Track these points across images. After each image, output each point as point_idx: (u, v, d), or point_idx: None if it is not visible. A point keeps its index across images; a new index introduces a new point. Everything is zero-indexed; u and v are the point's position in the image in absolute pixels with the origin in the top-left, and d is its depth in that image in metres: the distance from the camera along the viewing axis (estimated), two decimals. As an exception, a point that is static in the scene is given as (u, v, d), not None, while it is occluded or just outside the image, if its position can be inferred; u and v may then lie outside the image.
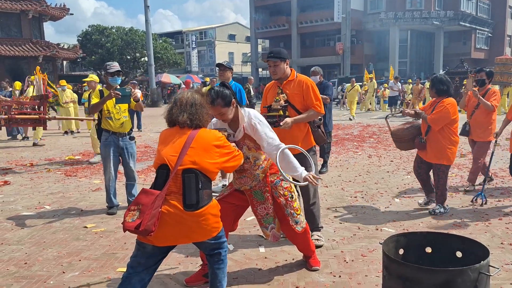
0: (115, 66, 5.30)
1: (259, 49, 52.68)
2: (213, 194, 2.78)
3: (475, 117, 5.91)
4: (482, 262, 2.21)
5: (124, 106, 5.24)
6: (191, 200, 2.56)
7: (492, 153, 5.72)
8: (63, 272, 3.67)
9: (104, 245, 4.27)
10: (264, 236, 4.40)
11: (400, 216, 4.99)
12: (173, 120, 2.74)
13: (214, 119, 3.28)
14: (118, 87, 5.29)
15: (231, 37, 60.75)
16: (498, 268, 2.29)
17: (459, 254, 2.56)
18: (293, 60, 44.55)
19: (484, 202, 5.30)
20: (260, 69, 48.71)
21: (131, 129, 5.40)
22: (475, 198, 5.41)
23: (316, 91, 4.08)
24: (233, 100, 3.13)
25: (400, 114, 5.41)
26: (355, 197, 5.87)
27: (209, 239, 2.72)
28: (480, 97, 5.72)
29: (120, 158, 5.37)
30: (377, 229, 4.57)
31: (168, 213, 2.54)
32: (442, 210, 5.00)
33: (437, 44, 43.90)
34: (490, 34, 48.63)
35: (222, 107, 3.08)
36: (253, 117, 3.22)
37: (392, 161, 8.32)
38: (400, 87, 20.02)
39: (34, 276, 3.61)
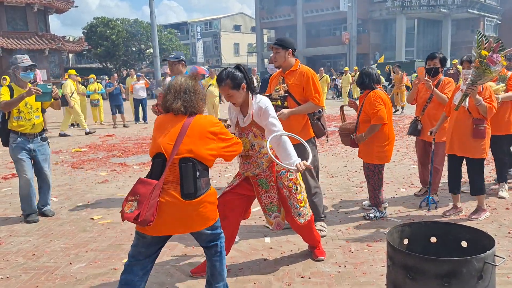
0: (27, 59, 4.76)
1: (265, 40, 52.41)
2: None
3: (428, 112, 4.96)
4: (487, 252, 2.19)
5: (37, 105, 4.79)
6: (189, 189, 2.54)
7: (432, 152, 4.89)
8: (70, 264, 3.71)
9: (111, 237, 4.31)
10: (267, 224, 4.43)
11: (406, 205, 4.98)
12: (167, 107, 2.69)
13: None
14: (41, 83, 5.02)
15: (236, 28, 60.48)
16: (504, 258, 2.27)
17: (464, 244, 2.54)
18: (298, 50, 44.20)
19: (435, 207, 4.80)
20: (265, 60, 48.50)
21: (43, 130, 4.98)
22: (424, 203, 4.88)
23: (316, 83, 4.06)
24: (244, 84, 3.12)
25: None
26: (361, 187, 5.85)
27: (206, 229, 2.70)
28: (435, 88, 4.81)
29: (32, 161, 4.86)
30: (383, 219, 4.56)
31: (166, 202, 2.53)
32: (377, 214, 4.57)
33: (445, 32, 43.37)
34: (499, 22, 47.94)
35: (230, 89, 3.07)
36: (262, 104, 3.19)
37: (398, 150, 8.28)
38: None
39: (42, 267, 3.65)
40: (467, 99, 4.18)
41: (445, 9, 40.89)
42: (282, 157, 3.11)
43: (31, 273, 3.55)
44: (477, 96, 4.08)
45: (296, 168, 3.02)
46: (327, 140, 4.97)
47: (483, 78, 4.02)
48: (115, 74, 16.00)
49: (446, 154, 4.67)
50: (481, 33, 4.04)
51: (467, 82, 4.13)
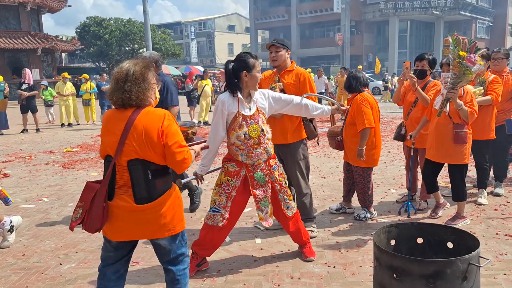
0: None
1: (259, 40, 52.49)
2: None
3: (412, 116, 4.77)
4: (472, 253, 2.22)
5: None
6: (141, 193, 2.30)
7: (412, 157, 4.83)
8: (60, 264, 3.70)
9: (100, 238, 4.22)
10: (258, 225, 4.45)
11: (395, 206, 5.01)
12: (110, 101, 2.38)
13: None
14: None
15: (231, 28, 60.50)
16: (488, 259, 2.29)
17: (450, 245, 2.57)
18: (293, 51, 44.38)
19: (414, 213, 4.70)
20: (260, 60, 48.59)
21: None
22: (403, 209, 4.77)
23: (312, 85, 4.09)
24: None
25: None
26: (352, 188, 5.87)
27: (165, 240, 2.45)
28: (419, 88, 4.55)
29: None
30: (373, 220, 4.59)
31: (119, 207, 2.33)
32: (368, 215, 4.57)
33: (437, 34, 43.69)
34: (491, 24, 48.35)
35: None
36: (264, 91, 3.50)
37: (389, 152, 8.33)
38: (326, 82, 16.80)
39: (32, 268, 3.64)
40: (448, 103, 4.09)
41: (438, 11, 41.21)
42: (315, 110, 3.65)
43: (20, 273, 3.54)
44: (458, 101, 3.99)
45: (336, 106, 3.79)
46: (318, 143, 4.98)
47: (463, 80, 3.93)
48: (104, 74, 15.82)
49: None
50: (456, 34, 3.96)
51: (447, 85, 4.04)
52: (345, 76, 14.08)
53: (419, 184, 5.14)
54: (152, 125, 2.28)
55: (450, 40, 3.93)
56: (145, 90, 2.33)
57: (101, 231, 2.43)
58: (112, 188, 2.35)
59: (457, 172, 4.29)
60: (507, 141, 5.30)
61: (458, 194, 4.35)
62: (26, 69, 13.51)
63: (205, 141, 2.77)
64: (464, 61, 3.82)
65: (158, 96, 2.43)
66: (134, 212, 2.33)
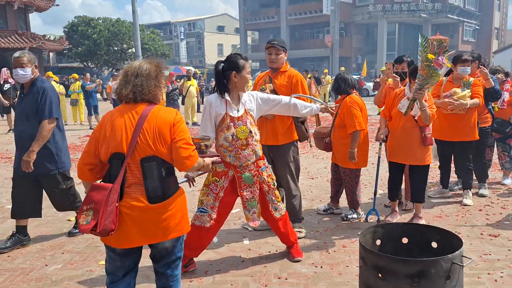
0: None
1: (249, 41, 52.48)
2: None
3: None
4: (455, 252, 2.25)
5: None
6: (155, 192, 2.25)
7: (379, 157, 4.91)
8: (46, 265, 3.67)
9: (87, 238, 4.27)
10: (246, 225, 4.46)
11: (382, 207, 5.05)
12: (118, 95, 2.36)
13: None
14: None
15: (220, 29, 60.40)
16: (471, 259, 2.33)
17: (434, 244, 2.61)
18: (282, 52, 44.49)
19: (377, 220, 4.62)
20: (250, 61, 48.58)
21: None
22: (368, 215, 4.68)
23: (304, 87, 4.10)
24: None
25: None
26: (340, 189, 5.90)
27: (171, 241, 2.39)
28: (402, 87, 4.59)
29: None
30: (360, 220, 4.63)
31: (130, 207, 2.23)
32: (355, 215, 4.62)
33: (425, 37, 44.10)
34: (477, 27, 48.96)
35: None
36: (253, 93, 3.53)
37: (377, 153, 8.37)
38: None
39: (17, 269, 3.61)
40: (417, 107, 4.07)
41: (426, 14, 41.63)
42: (304, 109, 3.70)
43: (5, 275, 3.50)
44: (423, 102, 4.02)
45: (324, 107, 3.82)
46: (310, 145, 5.00)
47: (430, 81, 3.96)
48: (88, 74, 15.47)
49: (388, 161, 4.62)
50: (425, 36, 3.98)
51: (414, 86, 4.06)
52: (307, 79, 13.63)
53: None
54: (164, 120, 2.27)
55: (419, 41, 3.96)
56: (156, 87, 2.36)
57: (101, 239, 2.34)
58: (121, 188, 2.25)
59: (420, 173, 4.35)
60: (483, 143, 5.36)
61: (418, 195, 4.41)
62: (3, 68, 13.12)
63: (218, 156, 2.73)
64: (432, 64, 3.83)
65: (164, 98, 2.45)
66: (146, 212, 2.25)
